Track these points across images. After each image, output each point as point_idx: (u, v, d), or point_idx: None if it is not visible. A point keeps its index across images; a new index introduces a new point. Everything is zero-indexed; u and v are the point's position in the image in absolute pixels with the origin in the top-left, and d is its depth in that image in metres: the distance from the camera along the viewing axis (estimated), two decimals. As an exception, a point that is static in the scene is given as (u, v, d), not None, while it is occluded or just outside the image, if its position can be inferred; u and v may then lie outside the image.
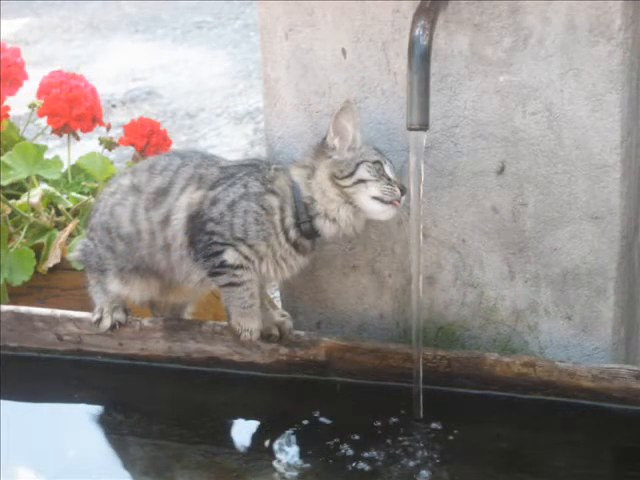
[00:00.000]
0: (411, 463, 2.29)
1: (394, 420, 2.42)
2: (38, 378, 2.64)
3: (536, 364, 2.44)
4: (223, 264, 2.43)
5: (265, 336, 2.54)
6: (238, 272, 2.43)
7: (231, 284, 2.44)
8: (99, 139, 3.36)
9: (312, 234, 2.46)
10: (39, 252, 3.03)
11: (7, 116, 3.25)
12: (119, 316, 2.62)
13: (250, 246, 2.43)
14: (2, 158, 3.10)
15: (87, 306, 2.69)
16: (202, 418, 2.49)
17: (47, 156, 3.17)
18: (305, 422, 2.43)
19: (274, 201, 2.44)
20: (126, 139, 3.27)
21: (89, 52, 6.67)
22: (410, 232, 2.42)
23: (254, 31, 6.71)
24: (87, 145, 4.01)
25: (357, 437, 2.36)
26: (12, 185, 3.17)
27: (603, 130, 2.36)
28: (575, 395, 2.42)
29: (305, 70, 2.54)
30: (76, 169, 3.31)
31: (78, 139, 3.35)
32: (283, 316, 2.59)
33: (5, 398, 2.55)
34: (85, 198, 3.18)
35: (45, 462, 2.37)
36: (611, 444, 2.38)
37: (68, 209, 3.15)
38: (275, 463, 2.31)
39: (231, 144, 5.22)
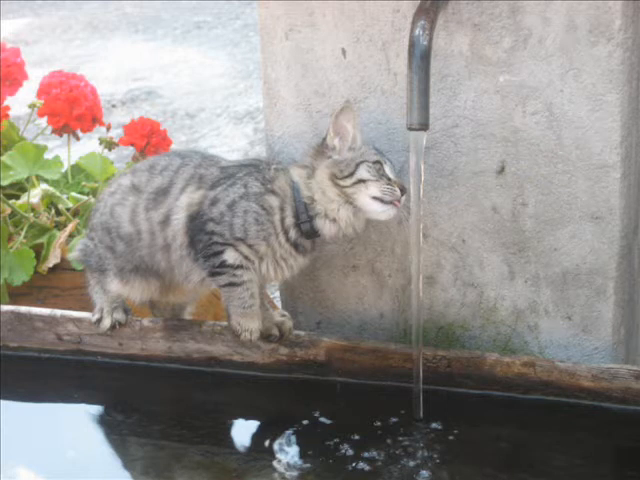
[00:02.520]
0: (411, 463, 2.29)
1: (394, 420, 2.42)
2: (38, 378, 2.64)
3: (536, 364, 2.44)
4: (223, 264, 2.43)
5: (265, 336, 2.54)
6: (238, 272, 2.43)
7: (231, 284, 2.44)
8: (99, 139, 3.35)
9: (312, 234, 2.46)
10: (39, 252, 3.03)
11: (7, 116, 3.25)
12: (119, 316, 2.63)
13: (250, 246, 2.43)
14: (2, 158, 3.10)
15: (87, 306, 2.69)
16: (202, 418, 2.49)
17: (47, 156, 3.17)
18: (305, 422, 2.43)
19: (274, 201, 2.44)
20: (126, 139, 3.27)
21: (89, 52, 6.68)
22: (410, 232, 2.42)
23: (254, 31, 6.71)
24: (87, 145, 4.01)
25: (357, 437, 2.36)
26: (12, 185, 3.17)
27: (603, 130, 2.36)
28: (575, 395, 2.42)
29: (305, 70, 2.54)
30: (76, 169, 3.31)
31: (78, 139, 3.35)
32: (283, 316, 2.59)
33: (5, 398, 2.55)
34: (85, 198, 3.18)
35: (45, 462, 2.37)
36: (611, 444, 2.38)
37: (68, 209, 3.16)
38: (275, 463, 2.31)
39: (231, 144, 5.22)
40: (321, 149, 2.46)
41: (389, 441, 2.35)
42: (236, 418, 2.54)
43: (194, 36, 6.93)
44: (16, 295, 2.99)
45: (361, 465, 2.28)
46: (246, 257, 2.43)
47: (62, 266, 3.01)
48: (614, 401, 2.40)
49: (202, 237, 2.44)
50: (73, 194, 3.22)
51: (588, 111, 2.36)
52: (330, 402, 2.51)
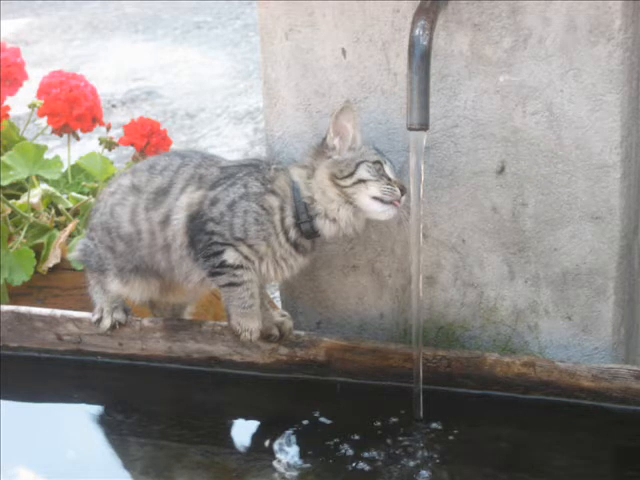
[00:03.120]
0: (411, 463, 2.29)
1: (394, 420, 2.42)
2: (38, 378, 2.64)
3: (536, 364, 2.44)
4: (223, 264, 2.43)
5: (265, 336, 2.54)
6: (238, 272, 2.43)
7: (231, 284, 2.44)
8: (99, 139, 3.35)
9: (312, 234, 2.46)
10: (39, 252, 3.03)
11: (7, 116, 3.25)
12: (119, 316, 2.63)
13: (250, 246, 2.43)
14: (2, 158, 3.10)
15: (87, 306, 2.69)
16: (202, 418, 2.49)
17: (47, 156, 3.17)
18: (305, 422, 2.43)
19: (274, 201, 2.44)
20: (126, 139, 3.27)
21: (89, 52, 6.67)
22: (410, 232, 2.42)
23: (254, 31, 6.71)
24: (87, 145, 4.02)
25: (357, 437, 2.36)
26: (12, 185, 3.16)
27: (603, 130, 2.36)
28: (575, 395, 2.42)
29: (305, 70, 2.54)
30: (76, 169, 3.31)
31: (78, 139, 3.35)
32: (283, 316, 2.59)
33: (5, 398, 2.55)
34: (85, 198, 3.18)
35: (45, 462, 2.37)
36: (611, 444, 2.38)
37: (68, 209, 3.16)
38: (275, 463, 2.31)
39: (231, 144, 5.22)
40: (321, 149, 2.46)
41: (389, 441, 2.35)
42: (236, 418, 2.54)
43: (194, 36, 6.93)
44: (16, 295, 2.99)
45: (361, 465, 2.28)
46: (246, 257, 2.43)
47: (62, 266, 3.01)
48: (614, 401, 2.40)
49: (202, 237, 2.44)
50: (73, 194, 3.22)
51: (588, 111, 2.36)
52: (330, 402, 2.51)
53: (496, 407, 2.46)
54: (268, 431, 2.44)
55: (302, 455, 2.34)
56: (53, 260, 3.01)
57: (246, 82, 6.03)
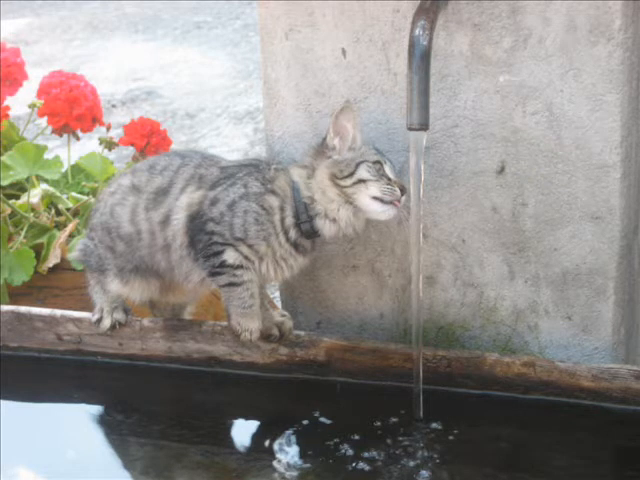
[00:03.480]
0: (411, 463, 2.29)
1: (394, 420, 2.42)
2: (38, 378, 2.64)
3: (536, 364, 2.44)
4: (223, 264, 2.43)
5: (265, 336, 2.54)
6: (238, 272, 2.43)
7: (231, 284, 2.44)
8: (99, 139, 3.35)
9: (312, 234, 2.46)
10: (39, 252, 3.03)
11: (7, 116, 3.25)
12: (119, 316, 2.63)
13: (250, 246, 2.43)
14: (2, 158, 3.10)
15: (87, 306, 2.69)
16: (202, 418, 2.49)
17: (47, 156, 3.17)
18: (305, 422, 2.43)
19: (274, 201, 2.44)
20: (126, 139, 3.27)
21: (89, 52, 6.68)
22: (410, 232, 2.42)
23: (254, 31, 6.71)
24: (87, 145, 4.02)
25: (357, 437, 2.36)
26: (12, 185, 3.16)
27: (603, 130, 2.36)
28: (575, 395, 2.42)
29: (305, 70, 2.54)
30: (76, 169, 3.31)
31: (78, 139, 3.35)
32: (283, 316, 2.59)
33: (5, 398, 2.55)
34: (85, 198, 3.18)
35: (45, 462, 2.37)
36: (611, 444, 2.38)
37: (68, 209, 3.16)
38: (275, 463, 2.31)
39: (231, 144, 5.22)
40: (321, 149, 2.46)
41: (389, 441, 2.35)
42: (236, 418, 2.54)
43: (194, 36, 6.93)
44: (16, 295, 2.99)
45: (361, 465, 2.28)
46: (246, 257, 2.43)
47: (62, 266, 3.01)
48: (614, 401, 2.40)
49: (202, 237, 2.44)
50: (73, 194, 3.22)
51: (588, 111, 2.36)
52: (330, 402, 2.51)
53: (496, 407, 2.46)
54: (268, 431, 2.44)
55: (302, 455, 2.34)
56: (53, 260, 3.01)
57: (246, 82, 6.03)
